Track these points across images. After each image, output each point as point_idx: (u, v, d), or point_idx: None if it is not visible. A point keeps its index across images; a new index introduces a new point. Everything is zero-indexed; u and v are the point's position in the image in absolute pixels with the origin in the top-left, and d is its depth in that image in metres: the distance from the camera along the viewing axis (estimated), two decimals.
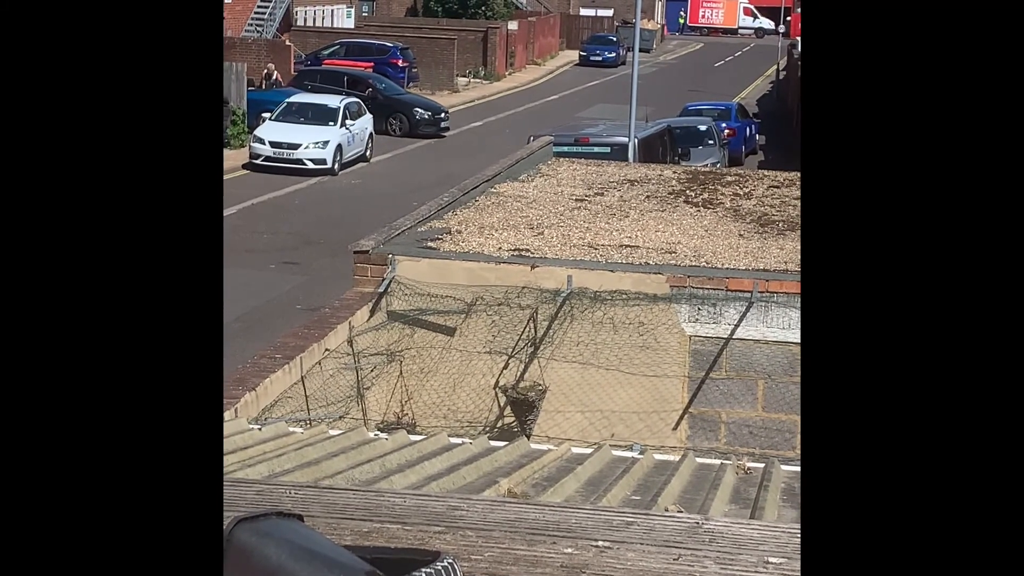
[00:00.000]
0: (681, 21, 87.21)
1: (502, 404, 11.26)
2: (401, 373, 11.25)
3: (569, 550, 3.15)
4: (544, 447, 8.16)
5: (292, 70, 40.91)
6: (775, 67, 57.36)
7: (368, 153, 32.66)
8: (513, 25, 56.61)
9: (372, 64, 43.44)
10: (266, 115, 31.69)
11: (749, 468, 7.49)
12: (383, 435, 8.16)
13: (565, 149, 20.23)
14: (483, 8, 59.83)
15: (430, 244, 11.83)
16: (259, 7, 47.64)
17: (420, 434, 9.00)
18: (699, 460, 8.07)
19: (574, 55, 63.76)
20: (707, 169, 19.35)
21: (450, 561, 1.81)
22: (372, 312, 11.17)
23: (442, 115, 38.08)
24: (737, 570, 3.12)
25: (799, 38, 49.76)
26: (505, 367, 11.26)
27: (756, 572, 3.12)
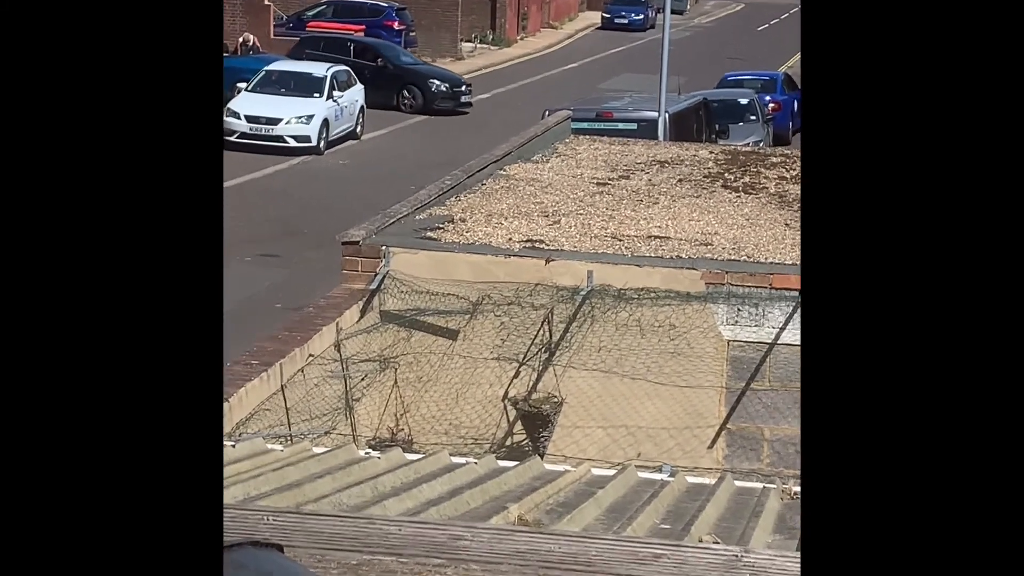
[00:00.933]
0: None
1: (512, 418, 11.25)
2: (396, 382, 11.25)
3: None
4: (560, 468, 8.16)
5: (271, 33, 40.91)
6: None
7: (359, 129, 32.67)
8: None
9: (364, 27, 43.44)
10: (242, 85, 31.67)
11: (796, 493, 7.48)
12: (375, 453, 8.17)
13: (585, 125, 20.24)
14: None
15: (430, 234, 11.83)
16: None
17: (417, 452, 9.00)
18: (738, 483, 8.07)
19: (596, 17, 63.71)
20: (749, 149, 19.32)
21: None
22: (363, 312, 11.18)
23: (462, 88, 37.69)
24: None
25: None
26: (515, 376, 11.26)
27: None
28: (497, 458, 8.61)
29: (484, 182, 14.19)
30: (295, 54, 36.83)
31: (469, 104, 37.50)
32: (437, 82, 37.29)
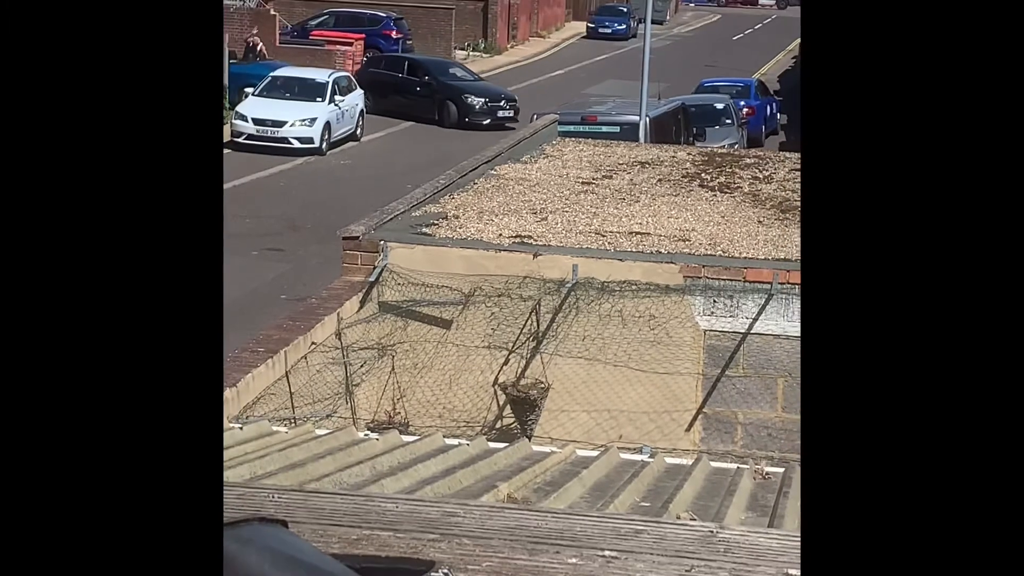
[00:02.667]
0: None
1: (501, 403, 11.26)
2: (393, 369, 11.25)
3: (573, 560, 3.15)
4: (547, 449, 8.17)
5: (277, 41, 40.86)
6: (798, 41, 57.30)
7: (359, 131, 32.63)
8: None
9: (364, 36, 43.37)
10: (249, 90, 31.66)
11: (767, 473, 7.50)
12: (373, 435, 8.17)
13: (571, 128, 20.24)
14: None
15: (425, 230, 11.83)
16: None
17: (413, 435, 9.01)
18: (714, 464, 8.08)
19: (581, 27, 63.66)
20: (724, 150, 19.33)
21: (445, 572, 1.82)
22: (362, 303, 11.17)
23: (502, 102, 35.88)
24: None
25: None
26: (505, 363, 11.26)
27: None
28: (488, 440, 8.62)
29: (476, 181, 14.17)
30: (361, 75, 36.22)
31: (513, 120, 34.94)
32: (472, 97, 35.79)
